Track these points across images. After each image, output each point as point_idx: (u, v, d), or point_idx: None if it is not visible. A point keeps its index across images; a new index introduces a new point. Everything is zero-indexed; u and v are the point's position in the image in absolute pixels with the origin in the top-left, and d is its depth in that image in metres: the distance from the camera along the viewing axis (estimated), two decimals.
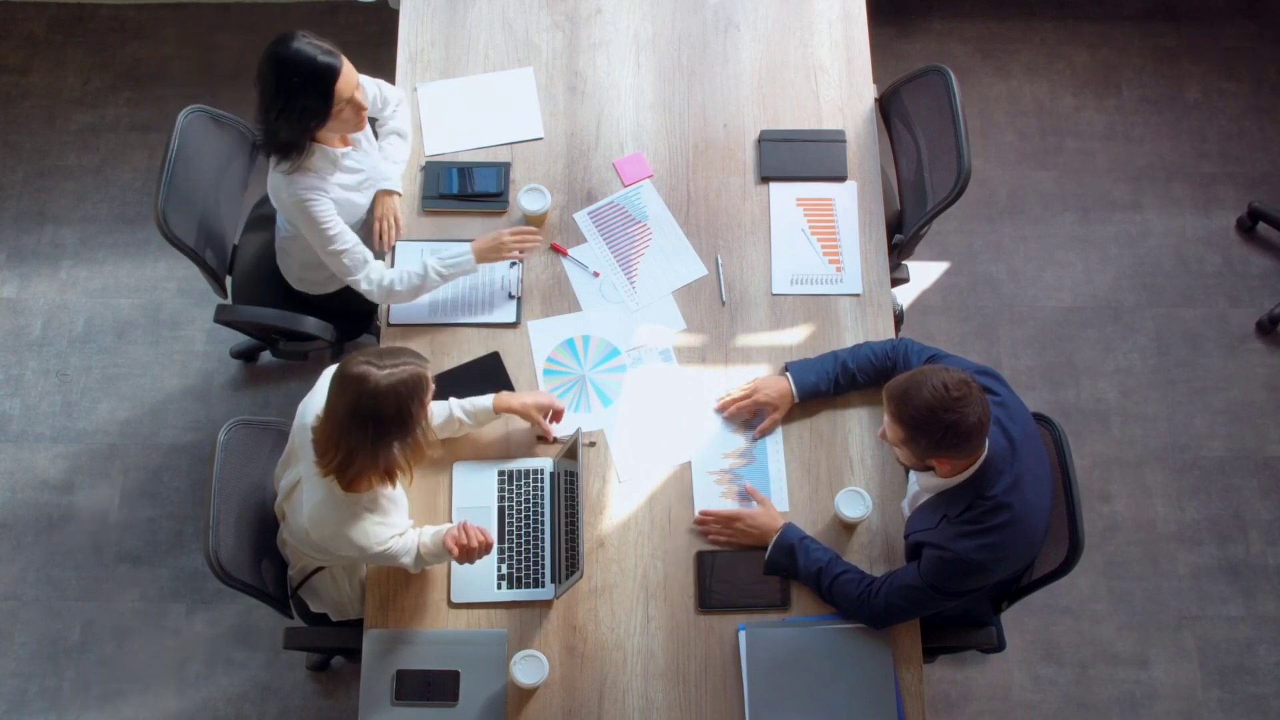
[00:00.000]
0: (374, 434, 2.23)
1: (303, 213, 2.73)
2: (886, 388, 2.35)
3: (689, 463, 2.77)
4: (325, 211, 2.74)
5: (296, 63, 2.57)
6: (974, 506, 2.37)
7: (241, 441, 2.64)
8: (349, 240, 2.78)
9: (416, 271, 2.81)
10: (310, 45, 2.59)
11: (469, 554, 2.45)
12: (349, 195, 2.85)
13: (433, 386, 2.34)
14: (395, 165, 2.98)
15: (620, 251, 2.97)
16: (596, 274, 2.94)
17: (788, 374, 2.78)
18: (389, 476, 2.33)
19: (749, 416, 2.80)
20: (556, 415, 2.73)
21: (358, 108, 2.69)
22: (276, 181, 2.74)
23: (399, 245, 2.97)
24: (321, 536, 2.39)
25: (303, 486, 2.42)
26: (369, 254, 2.82)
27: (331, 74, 2.60)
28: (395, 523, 2.45)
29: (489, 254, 2.87)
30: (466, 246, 2.85)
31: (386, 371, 2.22)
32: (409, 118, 3.06)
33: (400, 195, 2.99)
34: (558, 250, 2.96)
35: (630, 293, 2.93)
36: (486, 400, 2.67)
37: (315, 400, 2.42)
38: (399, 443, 2.27)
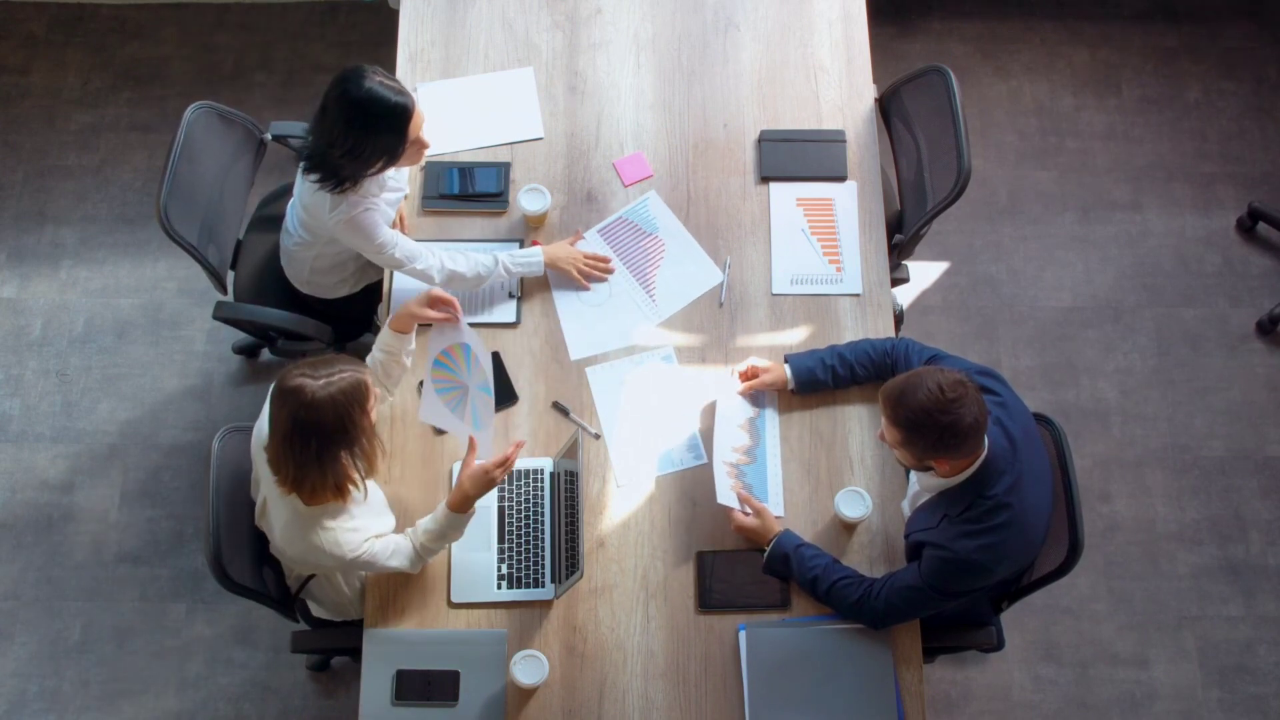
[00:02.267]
0: (317, 447, 2.21)
1: (353, 230, 2.71)
2: (882, 390, 2.35)
3: (689, 467, 2.77)
4: (374, 223, 2.73)
5: (370, 104, 2.53)
6: (975, 506, 2.37)
7: (235, 448, 2.62)
8: (396, 239, 2.77)
9: (486, 262, 2.82)
10: (383, 86, 2.54)
11: (505, 467, 2.45)
12: (386, 209, 2.85)
13: (376, 393, 2.31)
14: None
15: (635, 266, 2.97)
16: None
17: (785, 366, 2.79)
18: (340, 491, 2.31)
19: (747, 385, 2.80)
20: (440, 301, 2.59)
21: (421, 146, 2.68)
22: (321, 202, 2.71)
23: None
24: (297, 552, 2.38)
25: (269, 507, 2.42)
26: (415, 244, 2.81)
27: (406, 116, 2.58)
28: (366, 526, 2.43)
29: (559, 265, 2.89)
30: (539, 250, 2.86)
31: (323, 382, 2.19)
32: None
33: (406, 195, 2.99)
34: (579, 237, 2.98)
35: (651, 306, 2.93)
36: (384, 331, 2.60)
37: (266, 420, 2.39)
38: (346, 452, 2.25)
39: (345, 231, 2.73)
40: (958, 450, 2.31)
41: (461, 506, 2.46)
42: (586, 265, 2.92)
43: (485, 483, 2.45)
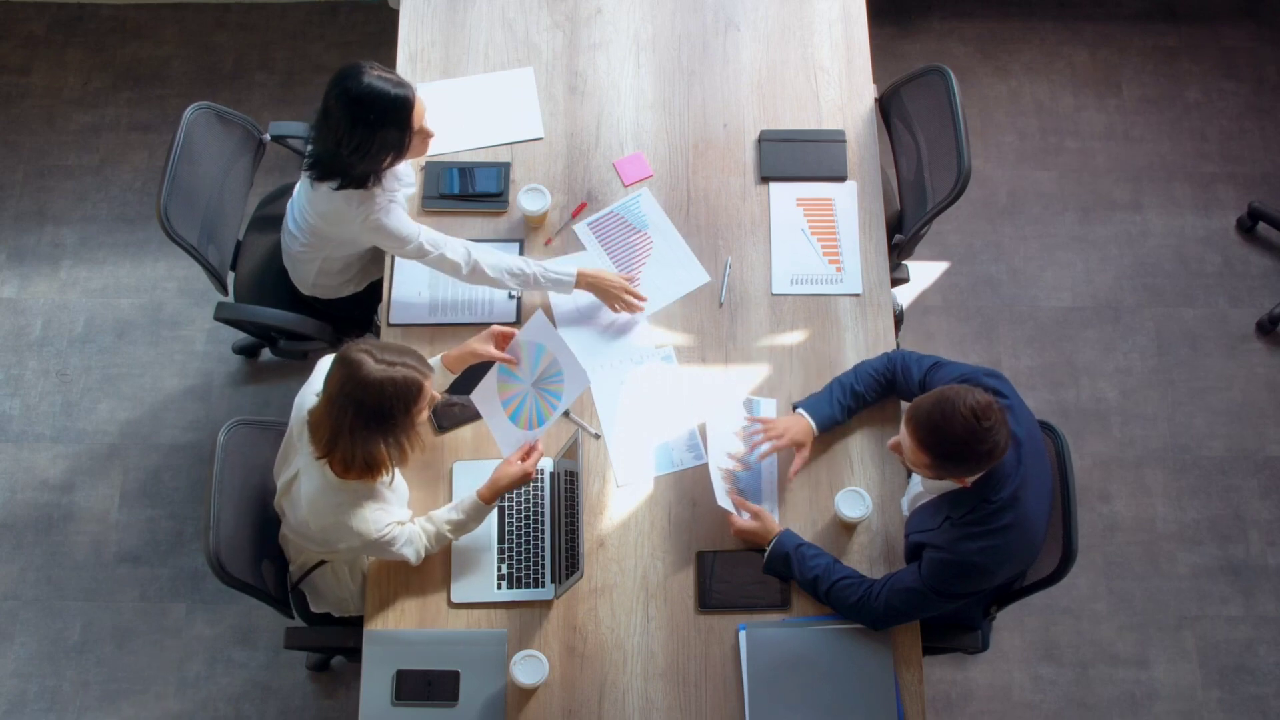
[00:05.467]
0: (353, 419, 2.25)
1: (380, 230, 2.71)
2: (911, 415, 2.30)
3: (689, 467, 2.77)
4: (401, 217, 2.73)
5: (372, 99, 2.53)
6: (978, 509, 2.36)
7: (241, 441, 2.64)
8: (421, 229, 2.76)
9: (518, 266, 2.78)
10: (382, 80, 2.55)
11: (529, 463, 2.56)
12: (400, 204, 2.84)
13: (431, 396, 2.34)
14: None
15: (621, 261, 2.97)
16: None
17: (801, 412, 2.73)
18: (369, 469, 2.34)
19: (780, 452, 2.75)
20: (502, 339, 2.66)
21: (426, 135, 2.68)
22: (343, 207, 2.70)
23: None
24: (321, 526, 2.40)
25: (300, 478, 2.44)
26: (438, 234, 2.78)
27: (408, 107, 2.57)
28: (394, 511, 2.47)
29: (595, 287, 2.84)
30: (574, 271, 2.80)
31: (382, 366, 2.24)
32: None
33: (413, 190, 2.99)
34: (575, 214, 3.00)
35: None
36: (436, 366, 2.62)
37: (311, 389, 2.45)
38: (383, 437, 2.29)
39: (373, 232, 2.72)
40: (984, 469, 2.31)
41: (493, 498, 2.55)
42: (627, 295, 2.84)
43: (522, 480, 2.56)
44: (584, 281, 2.83)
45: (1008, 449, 2.28)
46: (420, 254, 2.77)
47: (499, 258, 2.80)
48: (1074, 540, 2.54)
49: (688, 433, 2.81)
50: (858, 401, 2.73)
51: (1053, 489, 2.54)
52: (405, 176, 2.88)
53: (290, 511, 2.52)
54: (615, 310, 2.89)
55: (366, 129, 2.55)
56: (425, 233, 2.76)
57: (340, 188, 2.66)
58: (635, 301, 2.89)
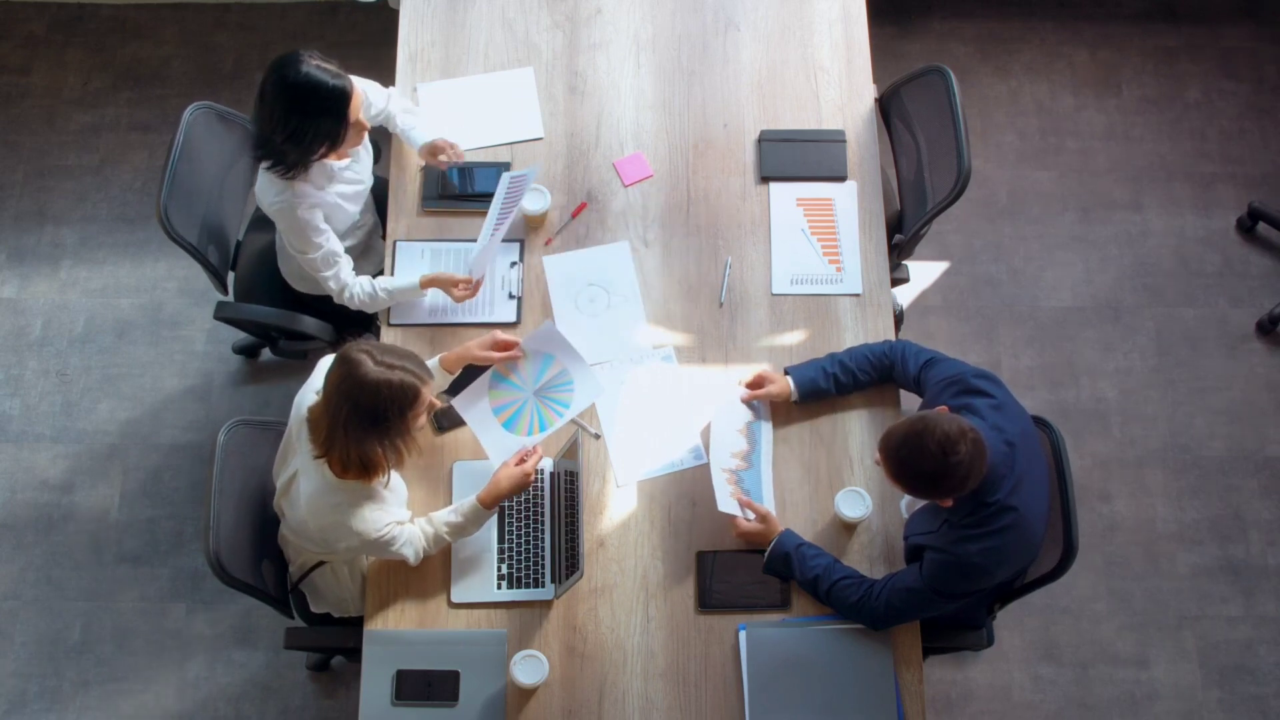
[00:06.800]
0: (348, 418, 2.26)
1: (289, 219, 2.72)
2: (883, 447, 2.32)
3: (689, 467, 2.77)
4: (312, 221, 2.74)
5: (308, 88, 2.54)
6: (976, 511, 2.36)
7: (241, 441, 2.64)
8: (324, 245, 2.78)
9: (367, 294, 2.83)
10: (320, 69, 2.55)
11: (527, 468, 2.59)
12: (342, 204, 2.85)
13: (430, 403, 2.35)
14: (423, 122, 3.01)
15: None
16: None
17: (787, 377, 2.78)
18: (365, 470, 2.35)
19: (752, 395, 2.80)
20: (503, 346, 2.70)
21: (360, 129, 2.69)
22: (266, 184, 2.73)
23: (400, 244, 2.97)
24: (320, 525, 2.40)
25: (299, 478, 2.44)
26: (340, 255, 2.82)
27: (345, 99, 2.58)
28: (393, 511, 2.48)
29: (437, 284, 2.85)
30: (416, 278, 2.83)
31: (380, 368, 2.25)
32: (400, 99, 3.05)
33: (360, 189, 2.96)
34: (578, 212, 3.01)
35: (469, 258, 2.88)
36: (433, 365, 2.64)
37: (311, 388, 2.46)
38: (378, 439, 2.30)
39: (283, 220, 2.73)
40: (961, 493, 2.33)
41: (493, 503, 2.55)
42: (461, 286, 2.84)
43: (522, 483, 2.57)
44: (428, 282, 2.83)
45: (982, 467, 2.28)
46: (313, 267, 2.78)
47: (363, 287, 2.82)
48: (1074, 535, 2.54)
49: (688, 433, 2.80)
50: (847, 375, 2.75)
51: (1050, 486, 2.54)
52: (350, 173, 2.87)
53: (289, 511, 2.52)
54: (456, 300, 2.85)
55: (302, 118, 2.56)
56: (324, 253, 2.77)
57: (272, 169, 2.67)
58: (465, 293, 2.85)
